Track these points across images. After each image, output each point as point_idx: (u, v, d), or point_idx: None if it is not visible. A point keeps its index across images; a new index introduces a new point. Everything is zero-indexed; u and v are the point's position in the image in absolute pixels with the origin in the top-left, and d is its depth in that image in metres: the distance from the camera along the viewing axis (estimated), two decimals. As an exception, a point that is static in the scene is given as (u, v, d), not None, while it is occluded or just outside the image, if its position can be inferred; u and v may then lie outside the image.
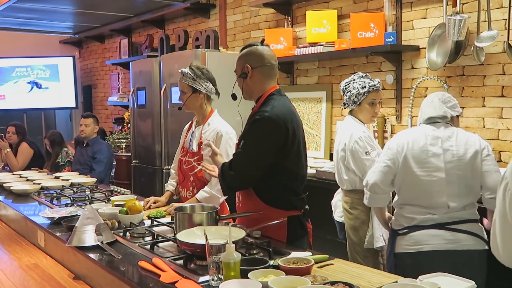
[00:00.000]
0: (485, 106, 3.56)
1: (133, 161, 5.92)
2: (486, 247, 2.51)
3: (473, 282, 1.69)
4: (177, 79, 3.22)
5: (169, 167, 3.57)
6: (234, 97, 2.60)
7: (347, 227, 3.22)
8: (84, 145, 5.46)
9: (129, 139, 6.40)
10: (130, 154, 6.18)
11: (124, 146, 6.52)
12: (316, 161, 4.51)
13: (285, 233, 2.44)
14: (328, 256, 2.11)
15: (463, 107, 3.66)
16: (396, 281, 1.73)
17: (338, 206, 3.39)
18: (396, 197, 2.73)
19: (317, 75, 4.76)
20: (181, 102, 3.21)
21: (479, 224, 2.58)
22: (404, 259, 2.59)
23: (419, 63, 3.93)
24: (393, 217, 2.76)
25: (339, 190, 3.39)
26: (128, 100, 6.21)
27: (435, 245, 2.50)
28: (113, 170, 5.78)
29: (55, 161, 5.85)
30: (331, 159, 4.53)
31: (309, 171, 4.09)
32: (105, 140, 6.07)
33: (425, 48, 3.78)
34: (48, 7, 3.20)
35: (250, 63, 2.50)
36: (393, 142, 2.71)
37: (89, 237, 2.35)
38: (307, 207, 2.56)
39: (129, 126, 6.45)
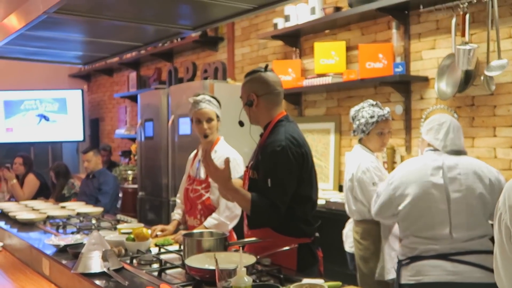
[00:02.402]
0: (496, 136, 3.52)
1: (140, 193, 5.88)
2: None
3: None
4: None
5: (176, 198, 3.53)
6: (241, 124, 2.56)
7: (357, 258, 3.16)
8: (90, 176, 5.44)
9: (135, 171, 6.38)
10: (136, 186, 6.15)
11: (130, 178, 6.50)
12: (324, 192, 4.46)
13: (295, 261, 2.39)
14: (341, 283, 2.04)
15: (473, 137, 3.63)
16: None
17: (349, 236, 3.34)
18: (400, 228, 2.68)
19: (325, 106, 4.76)
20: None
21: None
22: None
23: (428, 93, 3.92)
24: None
25: (351, 220, 3.34)
26: (136, 133, 6.22)
27: (435, 277, 2.41)
28: (119, 202, 5.73)
29: (60, 192, 5.82)
30: (340, 190, 4.49)
31: (318, 201, 4.03)
32: (112, 172, 6.05)
33: (434, 78, 3.78)
34: (58, 36, 3.21)
35: (255, 91, 2.46)
36: (394, 176, 2.66)
37: (95, 264, 2.30)
38: (317, 234, 2.50)
39: (135, 158, 6.44)
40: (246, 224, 2.58)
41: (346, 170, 3.31)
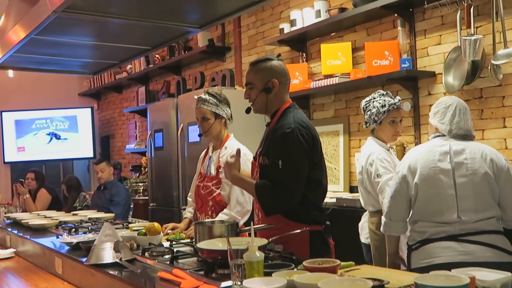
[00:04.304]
0: (506, 127, 3.51)
1: (151, 204, 5.88)
2: (511, 260, 2.38)
3: (510, 273, 1.60)
4: (194, 118, 3.24)
5: (187, 197, 3.54)
6: (248, 110, 2.57)
7: (373, 249, 3.13)
8: (102, 188, 5.46)
9: (146, 183, 6.40)
10: (147, 197, 6.16)
11: (141, 190, 6.51)
12: (335, 194, 4.44)
13: (307, 249, 2.37)
14: (354, 263, 2.03)
15: (483, 130, 3.61)
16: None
17: (365, 227, 3.32)
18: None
19: (333, 108, 4.76)
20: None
21: (503, 235, 2.46)
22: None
23: (436, 88, 3.92)
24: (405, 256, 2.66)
25: (367, 212, 3.32)
26: (146, 146, 6.26)
27: (446, 257, 2.38)
28: (131, 213, 5.74)
29: (72, 205, 5.84)
30: (351, 191, 4.47)
31: (329, 200, 4.02)
32: (123, 184, 6.08)
33: (441, 73, 3.78)
34: (66, 41, 3.25)
35: (277, 78, 2.47)
36: (401, 164, 2.65)
37: (107, 255, 2.30)
38: (328, 223, 2.49)
39: (146, 170, 6.47)
40: (258, 216, 2.57)
41: (358, 163, 3.31)
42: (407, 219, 2.62)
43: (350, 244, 3.45)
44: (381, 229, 2.70)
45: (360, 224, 3.43)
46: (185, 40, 6.40)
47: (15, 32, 3.22)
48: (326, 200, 4.04)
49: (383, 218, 2.69)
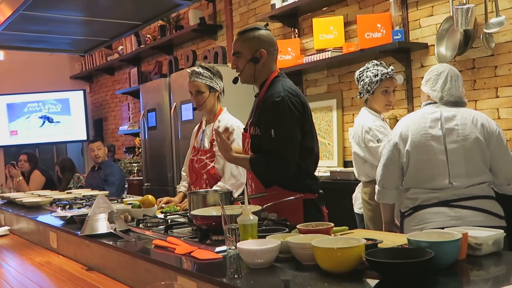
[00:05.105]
0: (498, 97, 3.51)
1: (145, 184, 5.88)
2: (502, 224, 2.40)
3: (502, 231, 1.61)
4: (186, 96, 3.22)
5: (181, 172, 3.53)
6: (235, 80, 2.55)
7: (366, 219, 3.15)
8: (96, 168, 5.45)
9: (140, 163, 6.38)
10: (141, 178, 6.15)
11: (135, 171, 6.50)
12: (329, 169, 4.44)
13: (301, 216, 2.37)
14: (348, 227, 2.04)
15: (476, 100, 3.62)
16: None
17: (358, 198, 3.33)
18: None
19: (326, 84, 4.75)
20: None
21: (494, 200, 2.47)
22: None
23: (429, 60, 3.91)
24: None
25: (361, 183, 3.32)
26: (139, 127, 6.23)
27: (438, 223, 2.38)
28: (125, 193, 5.73)
29: (66, 186, 5.84)
30: (345, 166, 4.48)
31: (323, 174, 4.03)
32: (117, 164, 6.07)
33: (433, 45, 3.77)
34: (56, 15, 3.21)
35: (265, 48, 2.44)
36: (392, 132, 2.66)
37: (101, 225, 2.30)
38: (321, 191, 2.49)
39: (140, 150, 6.45)
40: (251, 187, 2.57)
41: (351, 133, 3.30)
42: (400, 187, 2.63)
43: (344, 215, 3.46)
44: (375, 197, 2.71)
45: (354, 195, 3.44)
46: (176, 19, 6.35)
47: (3, 8, 3.18)
48: (320, 174, 4.06)
49: (376, 187, 2.69)
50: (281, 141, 2.30)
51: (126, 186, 5.76)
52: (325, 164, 4.63)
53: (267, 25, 2.58)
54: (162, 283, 1.19)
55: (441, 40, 3.67)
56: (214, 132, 2.50)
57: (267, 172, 2.37)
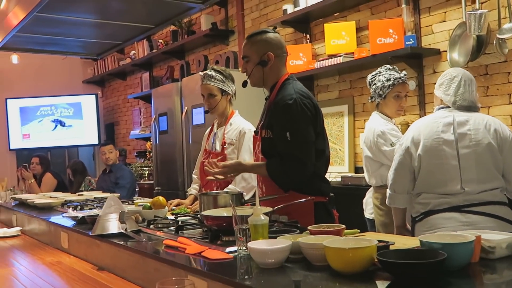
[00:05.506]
0: (511, 103, 3.49)
1: (156, 188, 5.89)
2: None
3: (515, 234, 1.59)
4: (198, 101, 3.23)
5: (192, 175, 3.54)
6: (245, 84, 2.55)
7: (378, 224, 3.13)
8: (107, 171, 5.48)
9: (151, 167, 6.41)
10: (152, 182, 6.17)
11: (146, 175, 6.53)
12: (340, 175, 4.43)
13: (312, 219, 2.36)
14: (359, 230, 2.03)
15: (489, 106, 3.60)
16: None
17: (369, 203, 3.31)
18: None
19: (337, 89, 4.75)
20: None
21: (506, 206, 2.44)
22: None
23: (441, 66, 3.89)
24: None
25: (371, 188, 3.31)
26: (150, 132, 6.26)
27: (449, 228, 2.35)
28: (136, 196, 5.75)
29: (77, 189, 5.86)
30: (356, 172, 4.46)
31: (334, 179, 4.02)
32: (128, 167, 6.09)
33: (446, 51, 3.76)
34: (69, 18, 3.25)
35: (272, 51, 2.46)
36: (404, 137, 2.65)
37: (112, 225, 2.31)
38: (332, 194, 2.49)
39: (151, 154, 6.47)
40: (261, 189, 2.56)
41: (363, 137, 3.29)
42: (411, 191, 2.61)
43: (355, 220, 3.44)
44: (386, 201, 2.69)
45: (364, 200, 3.43)
46: (189, 24, 6.38)
47: (17, 10, 3.22)
48: (331, 179, 4.05)
49: (388, 191, 2.68)
50: (297, 143, 2.30)
51: (136, 189, 5.77)
52: (336, 169, 4.62)
53: (275, 28, 2.58)
54: (173, 278, 1.18)
55: (453, 45, 3.66)
56: (211, 165, 2.52)
57: (285, 175, 2.36)
